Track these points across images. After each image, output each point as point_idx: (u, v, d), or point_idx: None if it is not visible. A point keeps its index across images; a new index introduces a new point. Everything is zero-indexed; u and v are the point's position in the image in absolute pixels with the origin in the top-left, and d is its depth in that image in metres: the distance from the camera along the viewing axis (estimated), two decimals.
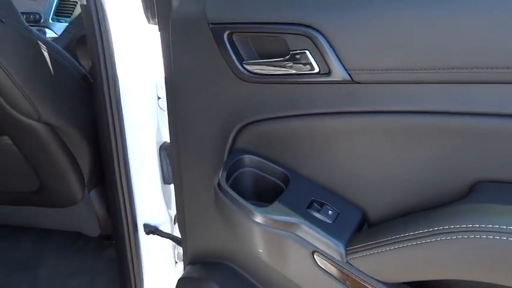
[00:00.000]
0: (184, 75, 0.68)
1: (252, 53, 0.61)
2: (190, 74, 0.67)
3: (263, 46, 0.60)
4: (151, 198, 1.02)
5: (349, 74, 0.53)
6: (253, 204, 0.61)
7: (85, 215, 1.21)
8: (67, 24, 2.04)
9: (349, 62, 0.53)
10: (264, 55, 0.60)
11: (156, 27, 0.74)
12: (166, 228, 1.05)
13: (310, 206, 0.60)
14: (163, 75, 0.73)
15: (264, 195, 0.66)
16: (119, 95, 0.92)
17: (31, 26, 0.99)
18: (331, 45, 0.53)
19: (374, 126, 0.55)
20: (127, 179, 0.99)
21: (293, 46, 0.56)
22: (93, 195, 1.19)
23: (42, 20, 2.12)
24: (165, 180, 1.01)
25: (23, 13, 1.08)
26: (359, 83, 0.54)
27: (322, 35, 0.53)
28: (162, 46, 0.70)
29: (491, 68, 0.46)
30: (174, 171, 0.80)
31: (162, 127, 0.98)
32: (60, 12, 2.15)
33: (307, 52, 0.55)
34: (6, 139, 1.03)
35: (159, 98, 0.95)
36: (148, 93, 0.93)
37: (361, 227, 0.60)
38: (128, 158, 0.98)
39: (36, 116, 0.94)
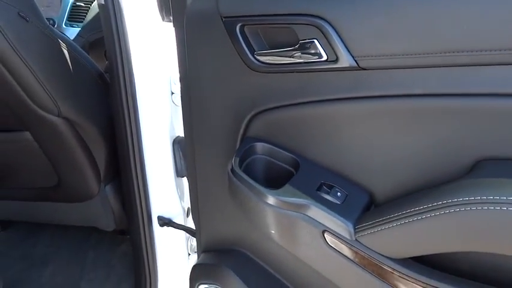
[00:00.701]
0: (199, 68, 0.71)
1: (262, 44, 0.64)
2: (204, 67, 0.71)
3: (273, 37, 0.63)
4: (165, 191, 1.05)
5: (355, 61, 0.56)
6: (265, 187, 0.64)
7: (100, 209, 1.25)
8: (79, 29, 2.10)
9: (355, 49, 0.56)
10: (274, 46, 0.63)
11: (170, 24, 0.78)
12: (179, 220, 1.08)
13: (319, 188, 0.62)
14: (177, 70, 0.77)
15: (274, 181, 0.69)
16: (135, 91, 0.96)
17: None
18: (338, 34, 0.56)
19: (379, 111, 0.58)
20: (142, 172, 1.03)
21: (302, 36, 0.59)
22: (109, 189, 1.23)
23: (55, 25, 2.17)
24: (178, 174, 1.04)
25: None
26: (365, 69, 0.57)
27: (330, 24, 0.56)
28: (177, 42, 0.74)
29: (489, 51, 0.49)
30: (188, 163, 0.83)
31: (175, 122, 1.01)
32: (73, 18, 2.20)
33: (315, 41, 0.58)
34: (27, 135, 1.07)
35: (172, 93, 0.99)
36: (162, 89, 0.97)
37: (368, 208, 0.63)
38: (143, 153, 1.02)
39: (56, 112, 0.98)
